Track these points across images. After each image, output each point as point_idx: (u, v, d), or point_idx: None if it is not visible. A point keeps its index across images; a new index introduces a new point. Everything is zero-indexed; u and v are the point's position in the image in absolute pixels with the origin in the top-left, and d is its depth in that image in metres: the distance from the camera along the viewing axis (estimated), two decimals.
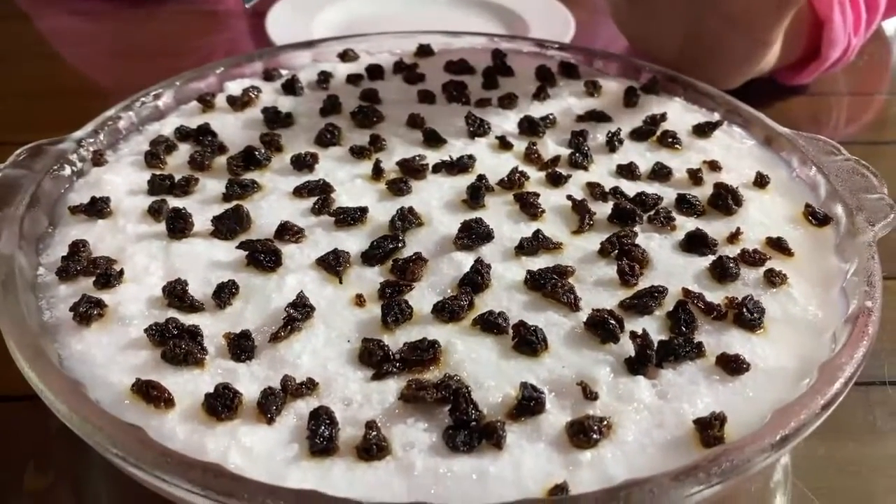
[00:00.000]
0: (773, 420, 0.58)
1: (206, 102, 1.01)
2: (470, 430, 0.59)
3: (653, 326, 0.69)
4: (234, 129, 0.97)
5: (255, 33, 1.52)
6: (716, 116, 1.01)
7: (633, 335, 0.66)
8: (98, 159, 0.89)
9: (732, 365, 0.65)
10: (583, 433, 0.58)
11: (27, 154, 0.85)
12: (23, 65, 1.46)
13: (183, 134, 0.95)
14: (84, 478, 0.74)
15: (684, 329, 0.68)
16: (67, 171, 0.86)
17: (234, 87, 1.04)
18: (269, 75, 1.08)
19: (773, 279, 0.74)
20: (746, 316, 0.69)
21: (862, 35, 1.31)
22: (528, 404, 0.61)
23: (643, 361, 0.64)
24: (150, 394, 0.61)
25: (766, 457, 0.56)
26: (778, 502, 0.72)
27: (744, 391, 0.64)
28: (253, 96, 1.02)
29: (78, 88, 1.39)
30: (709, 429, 0.59)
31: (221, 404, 0.60)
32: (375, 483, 0.56)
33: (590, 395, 0.62)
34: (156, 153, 0.90)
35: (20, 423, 0.77)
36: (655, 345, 0.65)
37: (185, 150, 0.93)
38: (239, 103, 1.01)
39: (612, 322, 0.67)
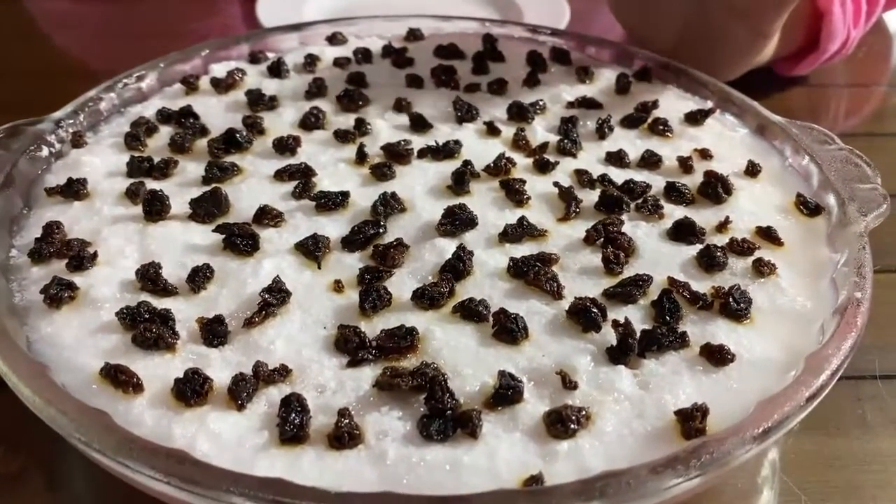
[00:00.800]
0: (756, 412, 0.57)
1: (190, 85, 0.99)
2: (445, 419, 0.57)
3: (637, 315, 0.67)
4: (217, 112, 0.95)
5: (248, 18, 1.49)
6: (709, 105, 0.99)
7: (616, 324, 0.64)
8: (77, 140, 0.87)
9: (717, 355, 0.63)
10: (560, 423, 0.57)
11: (4, 134, 0.83)
12: (10, 45, 1.44)
13: (164, 116, 0.93)
14: (57, 463, 0.73)
15: (668, 318, 0.66)
16: (45, 152, 0.85)
17: (219, 70, 1.03)
18: (255, 58, 1.06)
19: (762, 269, 0.72)
20: (733, 306, 0.67)
21: (861, 27, 1.28)
22: (506, 393, 0.59)
23: (625, 351, 0.63)
24: (119, 378, 0.59)
25: (747, 449, 0.55)
26: (765, 498, 0.70)
27: (728, 382, 0.62)
28: (237, 79, 1.00)
29: (65, 70, 1.37)
30: (690, 420, 0.57)
31: (191, 390, 0.59)
32: (346, 472, 0.55)
33: (569, 384, 0.60)
34: (136, 135, 0.88)
35: None
36: (638, 334, 0.64)
37: (166, 132, 0.91)
38: (223, 86, 0.99)
39: (595, 310, 0.65)
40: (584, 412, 0.58)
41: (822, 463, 0.72)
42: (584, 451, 0.56)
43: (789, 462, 0.72)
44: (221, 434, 0.56)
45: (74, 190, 0.79)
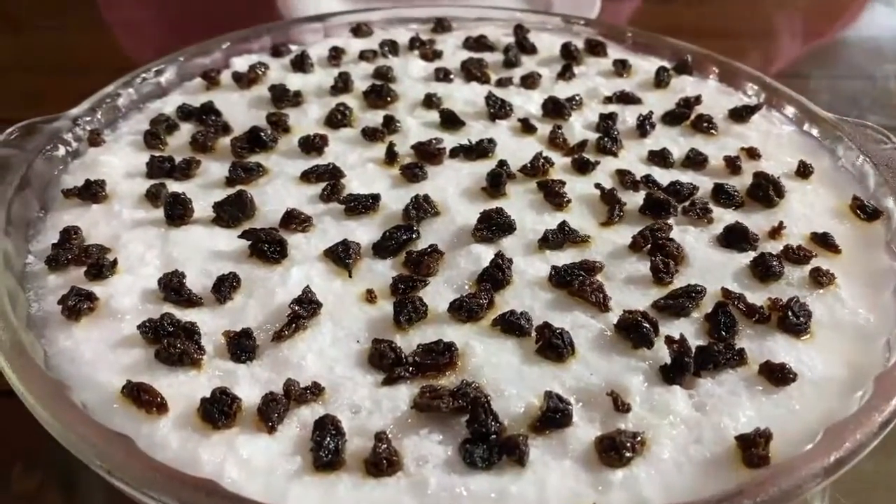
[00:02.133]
0: (826, 440, 0.53)
1: (211, 79, 0.95)
2: (489, 445, 0.53)
3: (689, 330, 0.63)
4: (239, 108, 0.91)
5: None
6: (753, 100, 0.94)
7: (670, 340, 0.60)
8: (95, 139, 0.84)
9: (777, 374, 0.59)
10: (614, 450, 0.53)
11: (19, 133, 0.80)
12: (33, 36, 1.40)
13: (185, 113, 0.89)
14: (75, 480, 0.70)
15: (724, 334, 0.62)
16: (62, 151, 0.81)
17: (241, 64, 0.99)
18: (277, 51, 1.02)
19: (820, 279, 0.68)
20: (792, 320, 0.63)
21: None
22: (554, 416, 0.55)
23: (680, 370, 0.59)
24: (142, 398, 0.56)
25: (817, 482, 0.51)
26: None
27: (789, 404, 0.58)
28: (260, 73, 0.96)
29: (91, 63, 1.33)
30: (753, 447, 0.53)
31: (218, 411, 0.55)
32: (385, 502, 0.51)
33: (621, 406, 0.56)
34: (156, 133, 0.84)
35: (8, 421, 0.72)
36: (693, 351, 0.59)
37: (187, 129, 0.87)
38: (245, 80, 0.95)
39: (646, 325, 0.61)
40: (638, 438, 0.54)
41: (883, 486, 0.68)
42: (639, 481, 0.52)
43: (846, 482, 0.67)
44: (251, 460, 0.53)
45: (92, 192, 0.75)
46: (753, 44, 1.46)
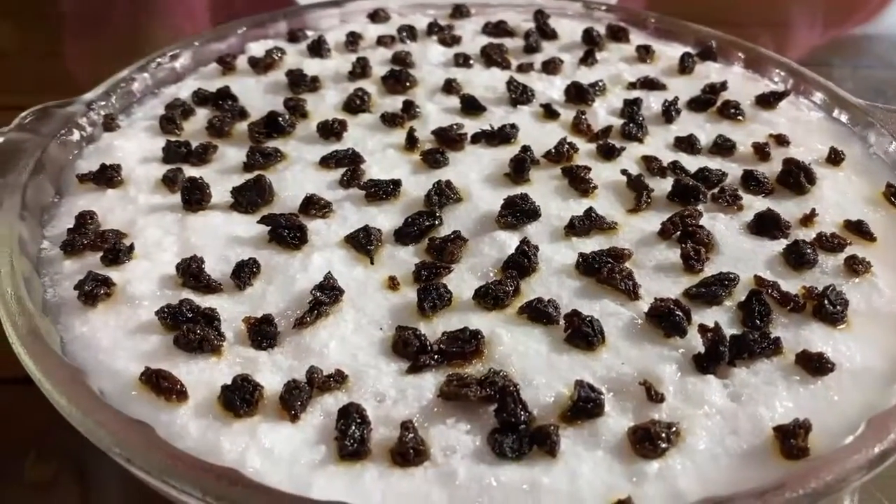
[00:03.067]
0: (868, 431, 0.51)
1: (227, 64, 0.94)
2: (519, 435, 0.52)
3: (723, 319, 0.61)
4: (255, 94, 0.90)
5: None
6: (780, 86, 0.92)
7: (703, 329, 0.58)
8: (109, 124, 0.82)
9: (815, 364, 0.57)
10: (648, 441, 0.51)
11: (34, 117, 0.79)
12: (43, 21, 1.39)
13: (201, 98, 0.88)
14: (89, 469, 0.68)
15: (759, 322, 0.60)
16: (76, 135, 0.80)
17: (257, 49, 0.97)
18: (293, 36, 1.01)
19: (856, 267, 0.66)
20: (828, 308, 0.61)
21: None
22: (585, 406, 0.53)
23: (715, 358, 0.57)
24: (161, 385, 0.54)
25: (862, 474, 0.49)
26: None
27: (827, 394, 0.56)
28: (276, 58, 0.95)
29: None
30: (792, 438, 0.52)
31: (240, 398, 0.53)
32: (412, 492, 0.50)
33: (655, 396, 0.54)
34: (171, 118, 0.83)
35: (21, 408, 0.71)
36: (728, 340, 0.58)
37: (203, 114, 0.86)
38: (261, 65, 0.93)
39: (679, 313, 0.59)
40: (674, 428, 0.52)
41: None
42: (675, 472, 0.51)
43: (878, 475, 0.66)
44: (274, 449, 0.51)
45: (108, 177, 0.74)
46: (766, 32, 1.44)
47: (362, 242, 0.67)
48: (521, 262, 0.65)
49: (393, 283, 0.64)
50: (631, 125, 0.83)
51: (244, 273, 0.64)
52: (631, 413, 0.54)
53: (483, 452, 0.52)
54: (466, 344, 0.58)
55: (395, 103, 0.87)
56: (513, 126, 0.82)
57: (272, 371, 0.57)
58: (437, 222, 0.70)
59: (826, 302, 0.61)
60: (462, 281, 0.65)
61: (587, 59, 0.96)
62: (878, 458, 0.50)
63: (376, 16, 1.05)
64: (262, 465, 0.50)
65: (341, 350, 0.59)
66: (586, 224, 0.69)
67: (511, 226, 0.70)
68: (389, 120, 0.84)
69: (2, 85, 1.17)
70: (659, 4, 1.28)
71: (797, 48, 1.42)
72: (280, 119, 0.82)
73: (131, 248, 0.66)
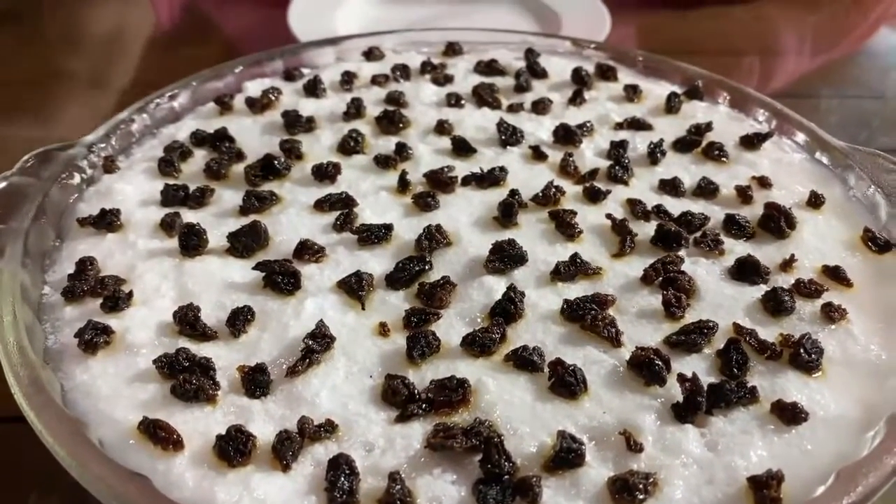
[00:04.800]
0: (838, 483, 0.53)
1: (224, 104, 0.96)
2: (503, 486, 0.54)
3: (701, 367, 0.63)
4: (252, 134, 0.92)
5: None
6: (764, 126, 0.94)
7: (682, 378, 0.60)
8: (109, 166, 0.84)
9: (789, 413, 0.59)
10: (627, 492, 0.53)
11: (35, 160, 0.80)
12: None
13: (199, 139, 0.90)
14: None
15: (736, 371, 0.62)
16: (77, 178, 0.82)
17: (254, 88, 0.99)
18: (289, 75, 1.03)
19: (832, 314, 0.68)
20: (804, 357, 0.63)
21: None
22: (567, 456, 0.55)
23: (693, 408, 0.59)
24: (158, 434, 0.56)
25: None
26: None
27: (801, 443, 0.58)
28: (273, 98, 0.97)
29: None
30: (765, 489, 0.54)
31: (234, 448, 0.55)
32: None
33: (634, 446, 0.56)
34: (170, 160, 0.85)
35: (24, 447, 0.72)
36: (705, 390, 0.60)
37: (201, 156, 0.88)
38: (258, 106, 0.96)
39: (659, 363, 0.61)
40: (651, 479, 0.54)
41: None
42: None
43: None
44: (266, 499, 0.53)
45: (107, 221, 0.76)
46: (756, 60, 1.47)
47: (354, 287, 0.69)
48: (508, 309, 0.67)
49: (383, 330, 0.66)
50: (617, 168, 0.85)
51: (239, 321, 0.66)
52: (611, 462, 0.56)
53: (468, 503, 0.54)
54: (454, 393, 0.60)
55: (388, 144, 0.89)
56: (502, 169, 0.84)
57: (265, 420, 0.59)
58: (426, 267, 0.72)
59: (802, 351, 0.63)
60: (450, 327, 0.67)
61: (576, 100, 0.98)
62: None
63: (371, 54, 1.08)
64: None
65: (332, 398, 0.61)
66: (571, 269, 0.71)
67: (498, 271, 0.72)
68: (382, 162, 0.86)
69: None
70: (650, 35, 1.30)
71: (786, 75, 1.45)
72: (276, 162, 0.84)
73: (130, 294, 0.68)
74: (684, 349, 0.65)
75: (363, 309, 0.69)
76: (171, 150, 0.87)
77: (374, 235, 0.75)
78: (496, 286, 0.70)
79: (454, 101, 0.98)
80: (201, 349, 0.64)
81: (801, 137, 0.92)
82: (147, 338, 0.65)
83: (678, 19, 1.60)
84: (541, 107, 0.97)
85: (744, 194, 0.82)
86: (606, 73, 1.04)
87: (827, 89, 1.40)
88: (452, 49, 1.09)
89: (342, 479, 0.54)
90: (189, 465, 0.55)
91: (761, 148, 0.91)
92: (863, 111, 1.33)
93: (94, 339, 0.63)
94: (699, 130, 0.92)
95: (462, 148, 0.88)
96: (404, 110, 0.96)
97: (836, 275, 0.72)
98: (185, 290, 0.70)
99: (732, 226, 0.78)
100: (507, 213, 0.78)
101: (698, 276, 0.72)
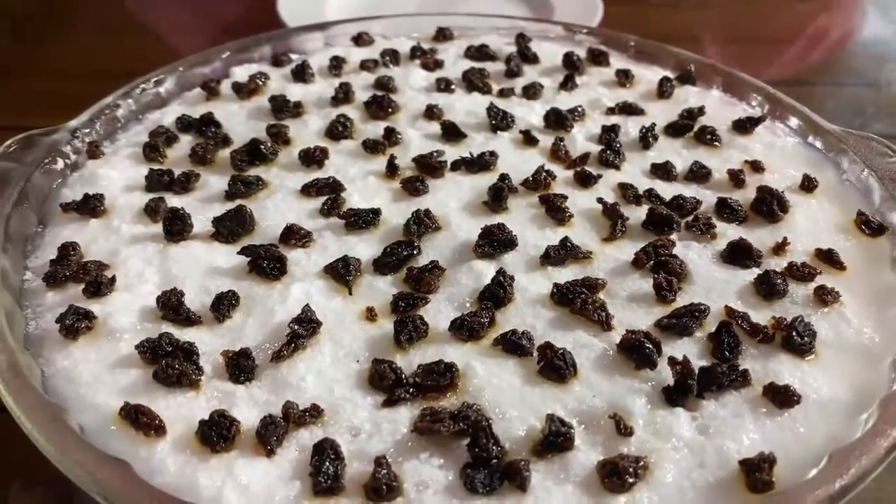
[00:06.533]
0: (830, 466, 0.52)
1: (211, 89, 0.95)
2: (490, 470, 0.53)
3: (693, 350, 0.63)
4: (239, 119, 0.90)
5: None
6: (757, 110, 0.93)
7: (673, 361, 0.59)
8: (93, 151, 0.83)
9: (781, 396, 0.58)
10: (616, 476, 0.52)
11: (17, 145, 0.79)
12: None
13: (185, 124, 0.88)
14: (75, 497, 0.69)
15: (728, 354, 0.61)
16: (60, 164, 0.81)
17: (241, 73, 0.98)
18: (277, 60, 1.02)
19: (825, 297, 0.67)
20: (796, 340, 0.62)
21: None
22: (556, 440, 0.54)
23: (683, 392, 0.58)
24: (140, 420, 0.55)
25: None
26: None
27: (794, 426, 0.58)
28: (260, 83, 0.96)
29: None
30: (757, 471, 0.53)
31: (217, 434, 0.54)
32: None
33: (624, 430, 0.56)
34: (155, 145, 0.84)
35: (6, 436, 0.71)
36: (696, 373, 0.59)
37: (186, 141, 0.87)
38: (245, 91, 0.94)
39: (649, 346, 0.60)
40: (641, 462, 0.53)
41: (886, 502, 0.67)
42: None
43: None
44: (250, 485, 0.52)
45: (91, 207, 0.75)
46: (753, 49, 1.46)
47: (341, 272, 0.68)
48: (497, 293, 0.66)
49: (370, 314, 0.65)
50: (608, 152, 0.84)
51: (223, 305, 0.65)
52: (601, 447, 0.56)
53: (455, 487, 0.53)
54: (441, 377, 0.59)
55: (377, 129, 0.88)
56: (492, 153, 0.83)
57: (249, 405, 0.58)
58: (415, 252, 0.71)
59: (794, 333, 0.63)
60: (439, 311, 0.66)
61: (567, 84, 0.97)
62: (839, 493, 0.51)
63: (360, 39, 1.06)
64: (239, 501, 0.51)
65: (318, 383, 0.60)
66: (561, 254, 0.70)
67: (488, 255, 0.71)
68: (371, 147, 0.85)
69: None
70: (642, 23, 1.29)
71: (779, 66, 1.44)
72: (262, 147, 0.83)
73: (113, 279, 0.67)
74: (675, 333, 0.64)
75: (350, 294, 0.68)
76: (156, 135, 0.86)
77: (362, 220, 0.74)
78: (485, 271, 0.69)
79: (444, 86, 0.97)
80: (185, 334, 0.63)
81: (794, 121, 0.91)
82: (129, 323, 0.64)
83: (670, 8, 1.60)
84: (532, 92, 0.96)
85: (736, 178, 0.81)
86: (598, 58, 1.03)
87: (822, 77, 1.39)
88: (443, 34, 1.08)
89: (327, 463, 0.53)
90: (171, 450, 0.54)
91: (754, 132, 0.90)
92: (857, 98, 1.32)
93: (75, 324, 0.62)
94: (691, 115, 0.91)
95: (452, 133, 0.87)
96: (393, 95, 0.94)
97: (829, 258, 0.71)
98: (169, 275, 0.69)
99: (725, 209, 0.77)
100: (497, 197, 0.77)
101: (690, 259, 0.71)
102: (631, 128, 0.90)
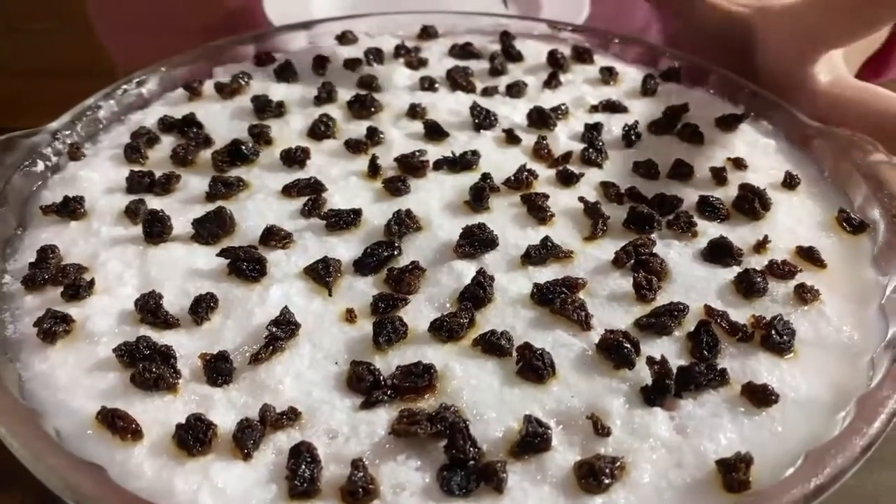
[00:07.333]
0: (806, 465, 0.52)
1: (193, 90, 0.94)
2: (467, 472, 0.53)
3: (671, 349, 0.63)
4: (221, 120, 0.90)
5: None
6: (740, 107, 0.93)
7: (651, 361, 0.59)
8: (74, 153, 0.83)
9: (759, 395, 0.58)
10: (593, 476, 0.52)
11: None
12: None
13: (167, 125, 0.88)
14: (56, 501, 0.69)
15: (706, 353, 0.61)
16: (40, 166, 0.80)
17: (223, 73, 0.98)
18: (261, 60, 1.01)
19: (804, 295, 0.67)
20: (775, 338, 0.62)
21: None
22: (533, 441, 0.54)
23: (661, 391, 0.58)
24: (116, 424, 0.55)
25: None
26: None
27: (772, 425, 0.58)
28: (243, 83, 0.95)
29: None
30: (733, 471, 0.53)
31: (193, 437, 0.54)
32: None
33: (601, 430, 0.56)
34: (136, 147, 0.83)
35: None
36: (674, 373, 0.59)
37: (168, 142, 0.86)
38: (227, 91, 0.94)
39: (628, 346, 0.60)
40: (618, 463, 0.53)
41: (868, 499, 0.68)
42: None
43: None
44: (226, 488, 0.52)
45: (71, 209, 0.74)
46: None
47: (321, 274, 0.68)
48: (477, 293, 0.66)
49: (350, 316, 0.65)
50: (590, 150, 0.84)
51: (201, 308, 0.64)
52: (578, 447, 0.56)
53: (432, 490, 0.53)
54: (419, 378, 0.59)
55: (359, 129, 0.88)
56: (474, 153, 0.83)
57: (226, 408, 0.58)
58: (395, 252, 0.71)
59: (773, 332, 0.63)
60: (419, 312, 0.66)
61: (551, 82, 0.97)
62: (815, 492, 0.51)
63: (344, 38, 1.06)
64: None
65: (296, 386, 0.60)
66: (542, 253, 0.70)
67: (469, 255, 0.71)
68: (353, 146, 0.85)
69: None
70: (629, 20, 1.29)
71: None
72: (243, 147, 0.82)
73: (91, 283, 0.67)
74: (654, 332, 0.64)
75: (330, 295, 0.67)
76: (137, 136, 0.85)
77: (343, 221, 0.74)
78: (466, 271, 0.69)
79: (428, 84, 0.96)
80: (163, 337, 0.62)
81: (776, 118, 0.91)
82: (108, 326, 0.64)
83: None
84: (515, 90, 0.96)
85: (719, 176, 0.81)
86: (582, 56, 1.03)
87: None
88: (427, 32, 1.08)
89: (303, 466, 0.53)
90: (148, 454, 0.54)
91: (737, 129, 0.90)
92: None
93: (52, 327, 0.62)
94: (675, 112, 0.91)
95: (434, 132, 0.87)
96: (377, 94, 0.94)
97: (809, 255, 0.71)
98: (148, 277, 0.68)
99: (706, 207, 0.77)
100: (478, 197, 0.76)
101: (670, 258, 0.71)
102: (614, 126, 0.90)
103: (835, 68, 0.90)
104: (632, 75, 1.00)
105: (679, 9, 1.02)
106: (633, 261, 0.70)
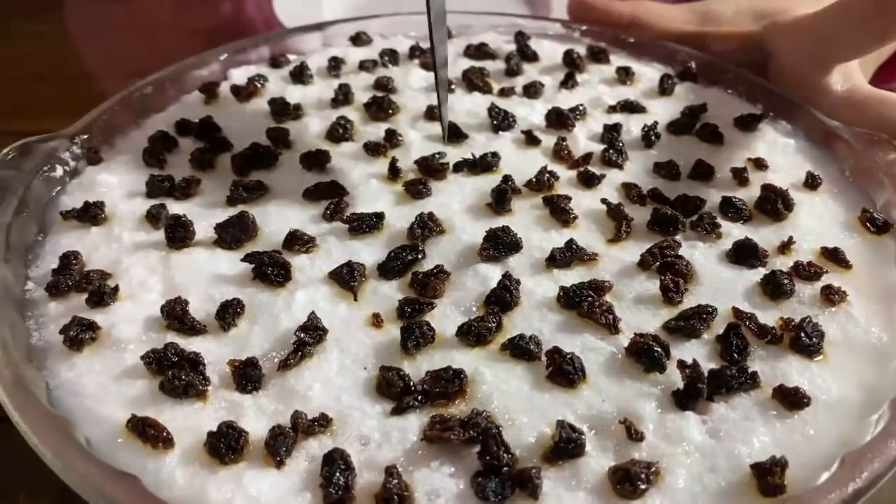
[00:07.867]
0: (843, 470, 0.52)
1: (209, 92, 0.94)
2: (501, 478, 0.52)
3: (701, 352, 0.62)
4: (238, 123, 0.90)
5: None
6: (759, 107, 0.93)
7: (682, 365, 0.59)
8: (93, 157, 0.82)
9: (791, 398, 0.58)
10: (629, 482, 0.52)
11: (15, 153, 0.78)
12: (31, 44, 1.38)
13: (184, 128, 0.88)
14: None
15: (737, 356, 0.61)
16: (59, 171, 0.80)
17: (239, 76, 0.97)
18: (276, 62, 1.01)
19: (832, 296, 0.67)
20: (804, 340, 0.62)
21: None
22: (566, 447, 0.54)
23: (693, 395, 0.58)
24: (147, 432, 0.55)
25: None
26: None
27: (804, 428, 0.57)
28: (259, 86, 0.95)
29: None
30: (768, 475, 0.53)
31: (226, 445, 0.54)
32: None
33: (635, 435, 0.55)
34: (155, 151, 0.83)
35: (11, 447, 0.71)
36: (706, 376, 0.59)
37: (186, 146, 0.86)
38: (244, 93, 0.94)
39: (658, 349, 0.60)
40: (653, 468, 0.53)
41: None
42: None
43: None
44: (260, 497, 0.52)
45: (92, 214, 0.74)
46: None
47: (346, 278, 0.68)
48: (503, 297, 0.66)
49: (377, 321, 0.65)
50: (611, 151, 0.84)
51: (228, 314, 0.64)
52: (612, 452, 0.55)
53: (466, 496, 0.52)
54: (450, 384, 0.59)
55: (377, 131, 0.88)
56: (494, 154, 0.83)
57: (257, 415, 0.58)
58: (420, 256, 0.71)
59: (802, 334, 0.63)
60: (445, 316, 0.66)
61: (567, 83, 0.96)
62: (852, 497, 0.51)
63: (358, 39, 1.06)
64: None
65: (325, 392, 0.59)
66: (567, 256, 0.70)
67: (493, 258, 0.71)
68: (372, 149, 0.84)
69: None
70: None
71: None
72: (262, 150, 0.82)
73: (116, 289, 0.66)
74: (683, 335, 0.63)
75: (355, 300, 0.67)
76: (155, 140, 0.85)
77: (366, 224, 0.74)
78: (491, 274, 0.69)
79: None
80: (190, 344, 0.62)
81: (795, 117, 0.90)
82: (134, 333, 0.63)
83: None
84: (532, 90, 0.95)
85: (740, 176, 0.81)
86: (598, 56, 1.02)
87: None
88: None
89: (337, 474, 0.52)
90: (179, 463, 0.54)
91: (756, 129, 0.89)
92: None
93: (79, 335, 0.61)
94: (693, 112, 0.91)
95: (453, 134, 0.87)
96: (393, 96, 0.94)
97: (834, 256, 0.71)
98: (172, 283, 0.68)
99: (729, 208, 0.77)
100: (501, 199, 0.76)
101: (695, 260, 0.71)
102: (633, 126, 0.89)
103: (850, 77, 0.89)
104: (648, 75, 0.99)
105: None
106: (658, 263, 0.69)
